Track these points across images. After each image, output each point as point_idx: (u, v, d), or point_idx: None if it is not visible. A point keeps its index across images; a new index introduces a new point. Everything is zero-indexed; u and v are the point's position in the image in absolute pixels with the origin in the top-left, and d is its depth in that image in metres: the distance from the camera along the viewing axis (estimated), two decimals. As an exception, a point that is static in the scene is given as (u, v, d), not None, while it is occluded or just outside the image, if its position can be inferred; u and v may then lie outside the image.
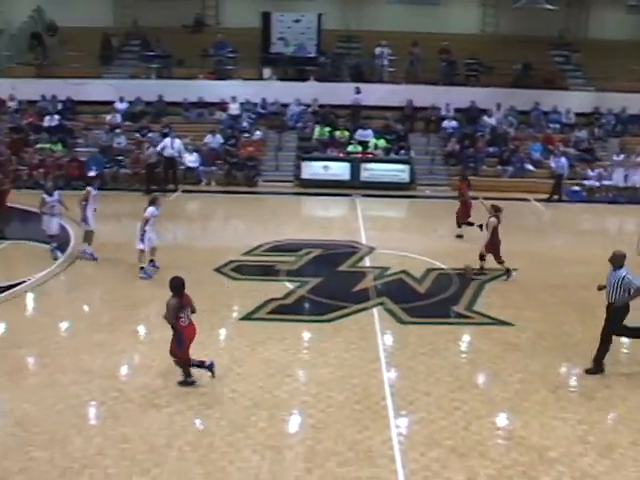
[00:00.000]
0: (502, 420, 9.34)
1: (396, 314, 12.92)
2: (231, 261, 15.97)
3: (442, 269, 15.59)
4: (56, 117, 26.91)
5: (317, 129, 26.53)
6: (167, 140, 24.48)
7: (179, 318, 9.71)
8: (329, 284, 14.68)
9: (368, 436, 8.75)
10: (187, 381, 10.07)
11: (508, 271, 14.96)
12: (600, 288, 10.69)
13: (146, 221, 14.60)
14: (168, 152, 24.23)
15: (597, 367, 10.58)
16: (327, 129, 26.52)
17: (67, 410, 9.35)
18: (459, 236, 18.40)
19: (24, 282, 14.37)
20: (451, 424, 9.05)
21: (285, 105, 27.99)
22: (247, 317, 12.74)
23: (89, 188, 16.40)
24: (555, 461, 8.27)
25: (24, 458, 8.26)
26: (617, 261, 10.47)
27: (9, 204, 18.55)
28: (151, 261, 15.01)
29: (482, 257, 15.03)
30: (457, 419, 9.17)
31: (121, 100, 27.56)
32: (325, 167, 24.94)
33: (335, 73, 29.52)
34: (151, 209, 14.72)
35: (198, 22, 31.66)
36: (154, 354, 11.05)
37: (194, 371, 10.09)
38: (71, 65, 28.57)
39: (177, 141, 24.48)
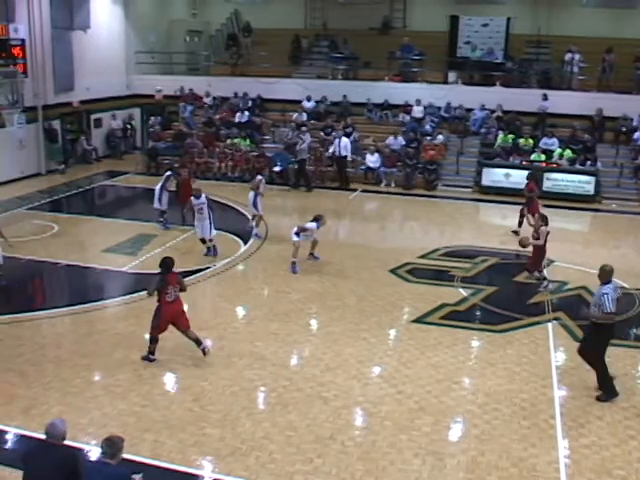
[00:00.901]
0: (682, 457, 8.75)
1: (572, 331, 12.42)
2: (406, 263, 16.03)
3: (624, 288, 14.79)
4: (246, 113, 28.11)
5: (500, 136, 25.89)
6: (335, 139, 24.90)
7: (165, 293, 10.47)
8: (504, 294, 14.39)
9: (534, 454, 8.52)
10: (148, 357, 10.72)
11: (545, 279, 14.78)
12: None
13: (304, 230, 15.22)
14: (335, 151, 24.69)
15: (607, 392, 9.93)
16: (511, 136, 25.82)
17: (240, 392, 9.87)
18: (515, 232, 18.20)
19: (207, 268, 15.25)
20: (624, 453, 8.61)
21: (469, 110, 27.58)
22: (418, 320, 12.78)
23: (259, 177, 17.88)
24: None
25: (198, 433, 8.81)
26: (604, 276, 9.86)
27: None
28: (311, 254, 15.83)
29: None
30: (631, 449, 8.71)
31: (308, 99, 28.31)
32: (506, 175, 24.32)
33: (522, 79, 28.68)
34: (313, 225, 15.31)
35: (385, 25, 31.83)
36: (325, 347, 11.37)
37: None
38: (263, 64, 29.79)
39: (344, 140, 24.71)
